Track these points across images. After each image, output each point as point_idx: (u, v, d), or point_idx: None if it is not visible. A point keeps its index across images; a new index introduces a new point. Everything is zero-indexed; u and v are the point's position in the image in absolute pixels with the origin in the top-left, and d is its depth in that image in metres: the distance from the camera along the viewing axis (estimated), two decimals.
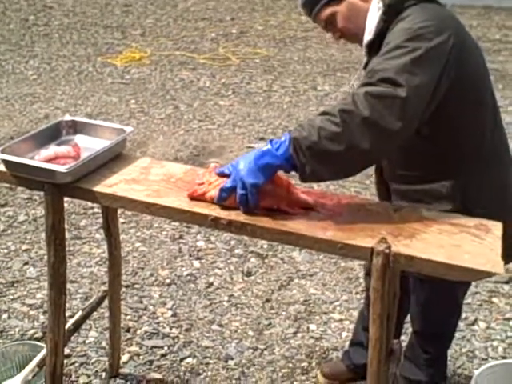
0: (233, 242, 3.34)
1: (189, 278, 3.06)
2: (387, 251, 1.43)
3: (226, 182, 1.55)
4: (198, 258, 3.21)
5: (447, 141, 1.67)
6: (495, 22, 8.22)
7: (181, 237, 3.39)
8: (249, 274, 3.10)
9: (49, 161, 1.79)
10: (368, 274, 2.06)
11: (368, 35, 1.68)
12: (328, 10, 1.73)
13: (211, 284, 3.02)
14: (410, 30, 1.53)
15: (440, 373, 2.19)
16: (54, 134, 1.99)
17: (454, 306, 2.04)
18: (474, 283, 2.65)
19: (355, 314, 2.81)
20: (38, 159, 1.79)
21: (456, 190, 1.69)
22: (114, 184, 1.74)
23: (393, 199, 1.86)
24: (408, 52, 1.49)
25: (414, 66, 1.47)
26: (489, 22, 7.83)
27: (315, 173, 1.49)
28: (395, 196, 1.84)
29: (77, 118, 2.07)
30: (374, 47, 1.67)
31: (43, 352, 2.07)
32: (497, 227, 1.57)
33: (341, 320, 2.76)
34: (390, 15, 1.63)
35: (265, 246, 3.32)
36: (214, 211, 1.58)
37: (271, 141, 1.53)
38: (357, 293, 2.97)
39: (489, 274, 1.40)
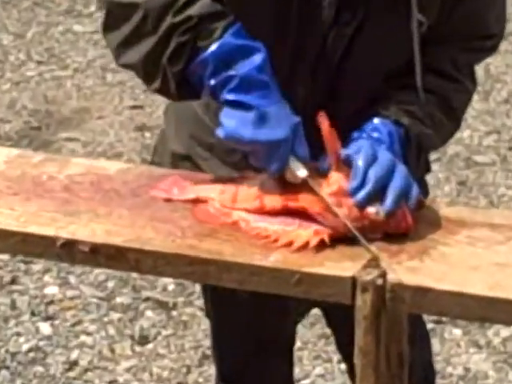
0: (111, 284, 2.53)
1: (33, 355, 2.28)
2: (381, 282, 1.03)
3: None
4: (48, 319, 2.40)
5: None
6: None
7: (14, 281, 2.56)
8: (144, 340, 2.36)
9: None
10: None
11: None
12: None
13: (75, 363, 2.25)
14: None
15: None
16: None
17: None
18: None
19: None
20: None
21: None
22: None
23: None
24: None
25: None
26: None
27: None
28: None
29: None
30: None
31: None
32: None
33: None
34: None
35: (170, 288, 2.53)
36: (66, 230, 1.14)
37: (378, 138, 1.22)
38: (340, 361, 2.19)
39: None
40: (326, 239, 1.02)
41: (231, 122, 1.05)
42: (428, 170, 1.48)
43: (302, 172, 1.05)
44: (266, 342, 1.61)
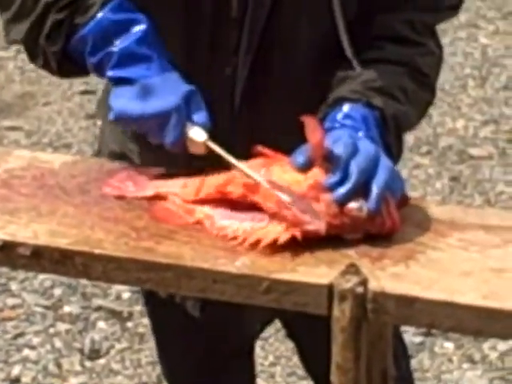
0: (58, 292, 2.36)
1: None
2: (361, 290, 0.96)
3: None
4: None
5: None
6: None
7: None
8: (95, 354, 2.19)
9: None
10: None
11: None
12: None
13: (17, 380, 2.03)
14: None
15: None
16: None
17: None
18: None
19: None
20: None
21: None
22: None
23: None
24: None
25: None
26: None
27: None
28: None
29: None
30: None
31: None
32: None
33: None
34: None
35: (125, 296, 2.35)
36: (4, 230, 1.07)
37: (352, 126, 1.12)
38: None
39: None
40: (298, 236, 0.92)
41: (118, 101, 1.02)
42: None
43: (199, 135, 0.98)
44: (218, 355, 1.46)
